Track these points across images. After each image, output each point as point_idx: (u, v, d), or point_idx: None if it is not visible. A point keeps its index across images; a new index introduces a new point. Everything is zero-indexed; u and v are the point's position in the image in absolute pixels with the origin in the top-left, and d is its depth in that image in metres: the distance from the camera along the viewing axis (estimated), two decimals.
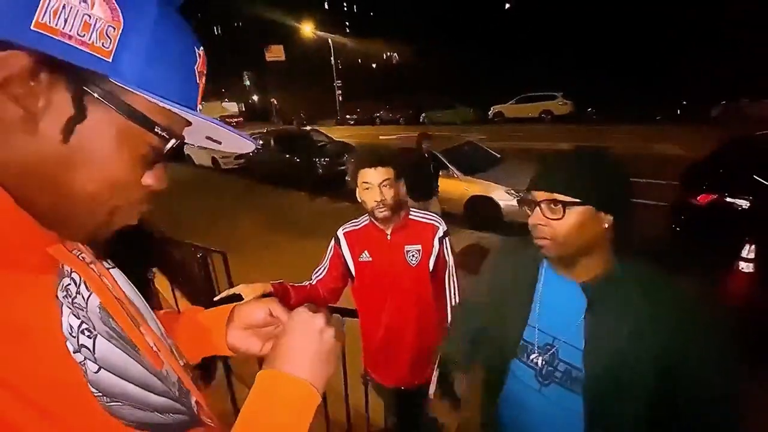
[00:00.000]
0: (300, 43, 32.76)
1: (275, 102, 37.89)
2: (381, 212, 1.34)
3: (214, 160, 12.83)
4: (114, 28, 0.35)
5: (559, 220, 0.76)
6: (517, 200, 0.87)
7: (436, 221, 1.47)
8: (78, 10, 0.33)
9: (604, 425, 0.76)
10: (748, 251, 3.27)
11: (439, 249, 1.46)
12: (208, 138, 0.50)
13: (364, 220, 1.50)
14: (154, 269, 4.15)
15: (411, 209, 1.49)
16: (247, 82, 44.20)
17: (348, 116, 28.35)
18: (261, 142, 10.90)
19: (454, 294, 1.52)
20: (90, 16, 0.34)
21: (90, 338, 0.38)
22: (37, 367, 0.34)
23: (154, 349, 0.47)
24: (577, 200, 0.75)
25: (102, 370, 0.38)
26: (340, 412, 2.13)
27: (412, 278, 1.44)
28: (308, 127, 14.26)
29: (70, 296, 0.39)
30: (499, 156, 6.55)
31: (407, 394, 1.63)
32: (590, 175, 0.76)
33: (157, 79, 0.38)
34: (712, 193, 3.80)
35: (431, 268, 1.45)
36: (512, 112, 18.18)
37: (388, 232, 1.43)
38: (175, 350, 0.54)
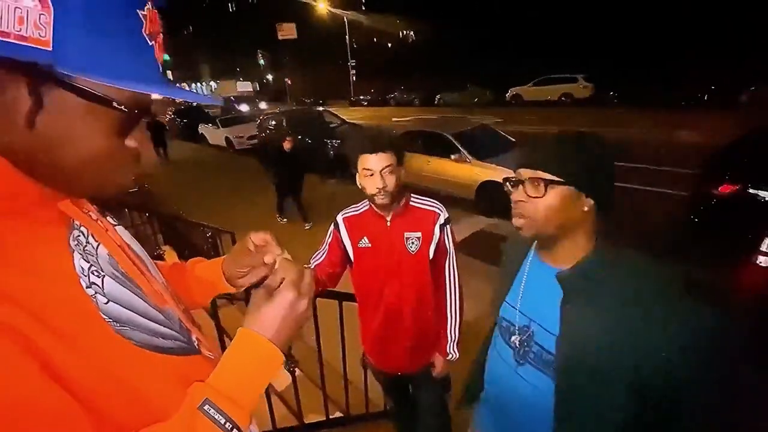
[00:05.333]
0: (315, 21, 32.16)
1: (289, 82, 37.60)
2: (381, 199, 1.32)
3: (228, 140, 12.89)
4: (45, 15, 0.36)
5: (539, 198, 0.77)
6: (504, 179, 0.85)
7: (438, 208, 1.44)
8: (8, 5, 0.34)
9: (573, 409, 0.78)
10: (767, 245, 3.15)
11: (439, 236, 1.43)
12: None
13: (364, 205, 1.48)
14: (165, 246, 4.25)
15: (412, 195, 1.46)
16: (262, 62, 43.86)
17: (362, 97, 28.01)
18: (273, 122, 10.89)
19: (454, 282, 1.50)
20: (21, 9, 0.35)
21: (99, 277, 0.46)
22: (56, 297, 0.41)
23: (157, 290, 0.55)
24: (559, 179, 0.75)
25: (111, 302, 0.46)
26: (339, 392, 2.17)
27: (412, 265, 1.42)
28: (321, 108, 14.15)
29: (81, 245, 0.47)
30: (513, 140, 6.40)
31: (405, 379, 1.64)
32: (574, 155, 0.76)
33: (101, 57, 0.39)
34: (734, 184, 3.64)
35: (431, 255, 1.43)
36: (531, 95, 17.60)
37: (388, 218, 1.41)
38: (175, 297, 0.62)
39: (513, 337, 0.89)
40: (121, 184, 0.48)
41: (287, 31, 31.51)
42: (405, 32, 34.36)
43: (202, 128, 14.43)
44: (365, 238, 1.44)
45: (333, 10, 29.37)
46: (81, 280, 0.44)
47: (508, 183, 0.84)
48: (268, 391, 1.89)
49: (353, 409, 2.21)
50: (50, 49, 0.36)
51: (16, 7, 0.35)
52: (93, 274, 0.45)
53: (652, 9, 17.32)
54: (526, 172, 0.80)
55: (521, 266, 0.93)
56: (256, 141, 11.84)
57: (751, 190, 3.55)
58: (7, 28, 0.34)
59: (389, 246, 1.41)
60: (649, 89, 14.37)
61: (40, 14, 0.35)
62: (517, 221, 0.81)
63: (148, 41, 0.43)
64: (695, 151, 5.84)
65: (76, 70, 0.37)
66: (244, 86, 45.20)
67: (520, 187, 0.80)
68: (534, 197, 0.77)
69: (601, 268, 0.77)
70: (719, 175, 3.81)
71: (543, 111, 15.16)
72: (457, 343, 1.51)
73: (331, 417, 2.13)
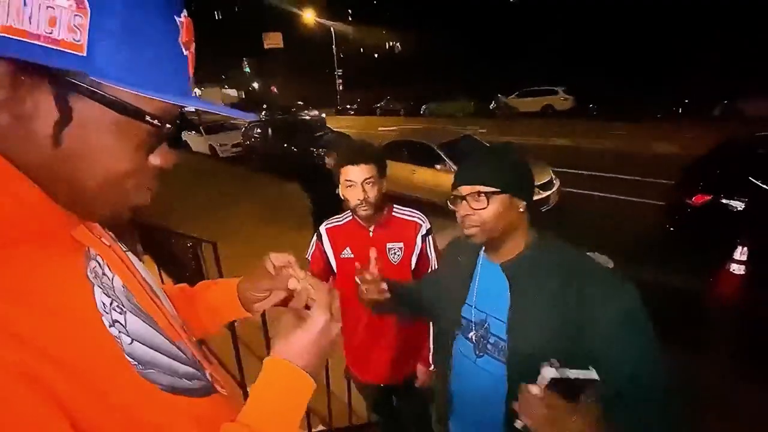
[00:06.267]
0: (302, 30, 32.29)
1: (275, 89, 37.53)
2: (363, 210, 1.32)
3: (211, 147, 12.73)
4: (81, 17, 0.32)
5: (483, 209, 0.87)
6: (447, 199, 0.96)
7: (420, 219, 1.45)
8: (39, 4, 0.30)
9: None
10: (740, 253, 3.26)
11: (421, 247, 1.44)
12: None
13: (346, 216, 1.48)
14: (144, 256, 4.14)
15: (395, 206, 1.47)
16: (247, 69, 43.70)
17: (348, 106, 28.13)
18: (259, 130, 10.82)
19: None
20: (54, 8, 0.31)
21: (121, 314, 0.41)
22: (78, 340, 0.36)
23: (171, 323, 0.51)
24: (497, 189, 0.86)
25: (135, 341, 0.41)
26: (322, 404, 2.14)
27: (394, 276, 1.41)
28: (307, 117, 14.15)
29: (99, 277, 0.42)
30: None
31: (388, 391, 1.63)
32: (504, 166, 0.88)
33: (137, 66, 0.35)
34: (707, 194, 3.77)
35: (413, 266, 1.44)
36: (513, 106, 18.03)
37: (371, 229, 1.41)
38: (185, 327, 0.57)
39: (471, 333, 0.96)
40: (137, 206, 0.44)
41: (273, 40, 31.49)
42: (391, 43, 34.82)
43: (185, 135, 14.21)
44: (348, 248, 1.44)
45: (320, 20, 29.59)
46: (103, 318, 0.39)
47: (449, 202, 0.94)
48: None
49: (336, 422, 2.18)
50: (84, 54, 0.32)
51: (48, 6, 0.30)
52: (115, 310, 0.41)
53: (629, 25, 18.01)
54: (465, 189, 0.89)
55: (472, 268, 1.00)
56: (240, 149, 11.74)
57: (723, 200, 3.68)
58: (37, 29, 0.30)
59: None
60: (627, 102, 14.82)
61: (75, 15, 0.31)
62: (468, 231, 0.91)
63: (183, 50, 0.40)
64: (670, 162, 6.05)
65: (109, 79, 0.34)
66: (230, 93, 44.95)
67: (464, 202, 0.89)
68: (478, 209, 0.87)
69: (538, 255, 0.89)
70: (693, 185, 3.94)
71: (528, 121, 15.48)
72: None
73: (314, 431, 2.09)
